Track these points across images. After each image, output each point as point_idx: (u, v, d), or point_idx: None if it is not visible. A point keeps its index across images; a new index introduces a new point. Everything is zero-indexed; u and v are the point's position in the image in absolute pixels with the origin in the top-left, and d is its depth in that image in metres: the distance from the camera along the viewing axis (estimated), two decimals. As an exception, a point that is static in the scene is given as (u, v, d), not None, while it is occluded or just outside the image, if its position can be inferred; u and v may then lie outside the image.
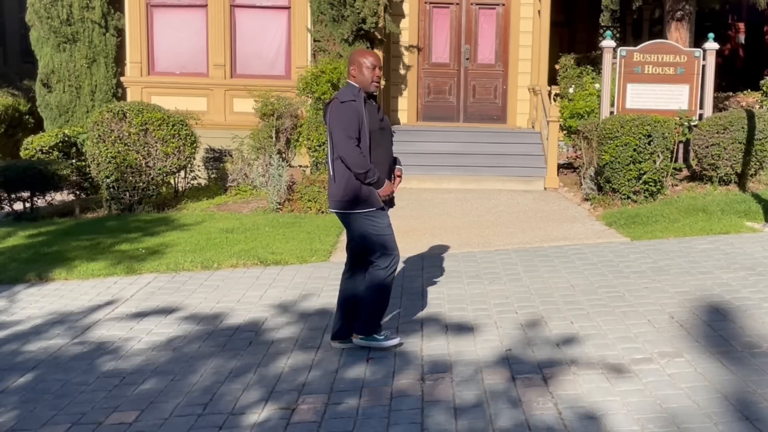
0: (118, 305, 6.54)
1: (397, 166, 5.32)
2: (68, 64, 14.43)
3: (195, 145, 11.58)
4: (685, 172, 11.53)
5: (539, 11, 14.07)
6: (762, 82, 13.20)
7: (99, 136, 10.90)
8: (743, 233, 8.14)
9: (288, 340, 5.52)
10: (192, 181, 12.40)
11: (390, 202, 5.20)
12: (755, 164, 10.61)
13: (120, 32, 14.60)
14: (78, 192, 12.43)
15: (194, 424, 4.23)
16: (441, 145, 13.14)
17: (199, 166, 13.16)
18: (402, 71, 14.72)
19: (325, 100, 12.35)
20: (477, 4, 14.83)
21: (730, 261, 7.04)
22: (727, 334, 5.18)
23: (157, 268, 7.64)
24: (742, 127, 10.41)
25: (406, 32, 14.59)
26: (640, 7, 19.99)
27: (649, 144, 10.07)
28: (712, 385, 4.40)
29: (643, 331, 5.33)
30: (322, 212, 10.44)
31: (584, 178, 11.27)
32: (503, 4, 14.79)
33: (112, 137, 10.89)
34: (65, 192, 12.22)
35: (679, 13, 12.63)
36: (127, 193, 10.97)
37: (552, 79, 14.42)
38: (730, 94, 13.59)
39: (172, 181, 12.03)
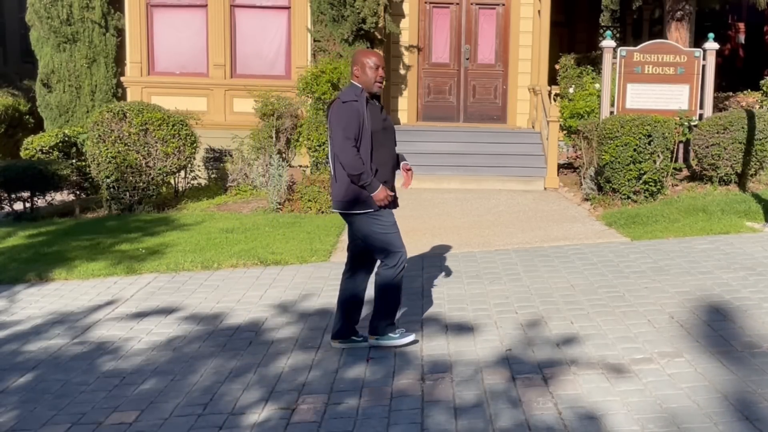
0: (118, 305, 6.54)
1: (403, 162, 5.32)
2: (68, 64, 14.43)
3: (195, 145, 11.58)
4: (685, 172, 11.53)
5: (539, 11, 14.07)
6: (762, 82, 13.20)
7: (99, 136, 10.90)
8: (743, 233, 8.14)
9: (288, 340, 5.52)
10: (192, 181, 12.40)
11: (394, 202, 5.21)
12: (755, 164, 10.61)
13: (120, 32, 14.61)
14: (78, 192, 12.43)
15: (194, 424, 4.23)
16: (441, 145, 13.14)
17: (199, 166, 13.17)
18: (402, 71, 14.72)
19: (325, 100, 12.38)
20: (477, 4, 14.84)
21: (730, 261, 7.04)
22: (727, 334, 5.18)
23: (157, 268, 7.64)
24: (742, 127, 10.41)
25: (406, 32, 14.60)
26: (640, 7, 19.99)
27: (649, 144, 10.07)
28: (712, 385, 4.40)
29: (643, 331, 5.33)
30: (322, 212, 10.44)
31: (584, 178, 11.27)
32: (503, 4, 14.79)
33: (112, 137, 10.89)
34: (65, 192, 12.22)
35: (679, 13, 12.64)
36: (127, 193, 10.97)
37: (552, 79, 14.42)
38: (730, 94, 13.59)
39: (172, 181, 12.04)
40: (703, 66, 11.20)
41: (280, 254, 7.99)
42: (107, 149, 10.82)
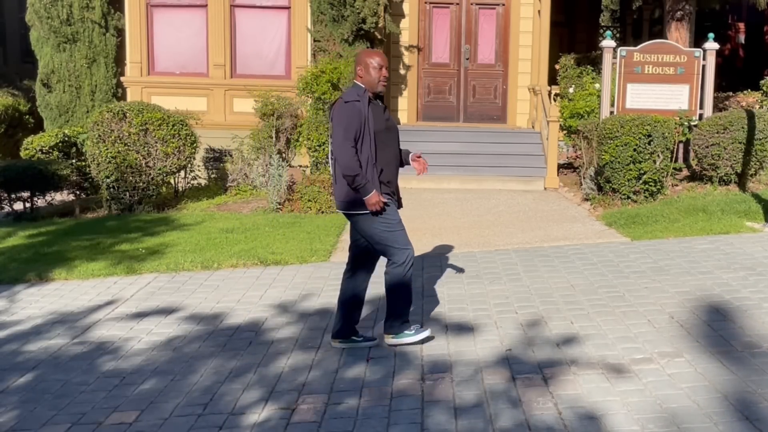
0: (118, 305, 6.54)
1: (411, 154, 5.34)
2: (68, 64, 14.43)
3: (195, 145, 11.58)
4: (685, 172, 11.53)
5: (539, 11, 14.07)
6: (762, 82, 13.20)
7: (99, 136, 10.90)
8: (743, 233, 8.14)
9: (288, 340, 5.52)
10: (192, 181, 12.40)
11: (399, 202, 5.24)
12: (755, 164, 10.61)
13: (120, 32, 14.60)
14: (78, 192, 12.43)
15: (194, 424, 4.23)
16: (441, 145, 13.14)
17: (199, 166, 13.16)
18: (402, 71, 14.72)
19: (325, 100, 12.39)
20: (477, 4, 14.84)
21: (730, 261, 7.04)
22: (727, 334, 5.18)
23: (157, 268, 7.64)
24: (742, 127, 10.41)
25: (406, 32, 14.60)
26: (640, 7, 19.99)
27: (649, 144, 10.07)
28: (712, 385, 4.40)
29: (643, 331, 5.33)
30: (322, 212, 10.44)
31: (584, 178, 11.27)
32: (503, 4, 14.79)
33: (112, 137, 10.89)
34: (65, 192, 12.22)
35: (679, 13, 12.64)
36: (127, 193, 10.97)
37: (552, 79, 14.42)
38: (730, 94, 13.59)
39: (172, 181, 12.04)
40: (703, 66, 11.20)
41: (280, 254, 7.99)
42: (107, 149, 10.82)
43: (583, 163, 11.56)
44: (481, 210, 10.48)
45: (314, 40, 13.47)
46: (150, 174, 11.05)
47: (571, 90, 14.15)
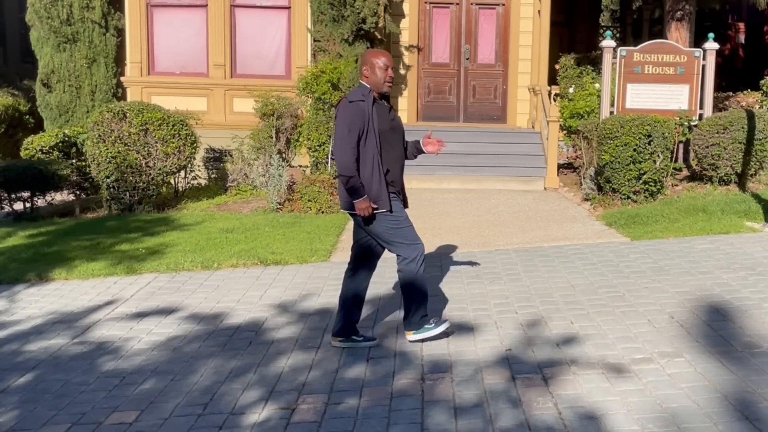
0: (118, 305, 6.54)
1: (423, 135, 5.42)
2: (68, 64, 14.43)
3: (195, 145, 11.58)
4: (685, 172, 11.53)
5: (539, 11, 14.07)
6: (762, 82, 13.20)
7: (99, 136, 10.90)
8: (743, 233, 8.14)
9: (288, 340, 5.52)
10: (192, 181, 12.40)
11: (404, 201, 5.25)
12: (755, 164, 10.61)
13: (120, 32, 14.60)
14: (78, 192, 12.43)
15: (194, 424, 4.23)
16: (441, 145, 13.12)
17: (199, 166, 13.17)
18: (402, 71, 14.72)
19: (325, 100, 12.40)
20: (477, 4, 14.84)
21: (730, 261, 7.04)
22: (727, 334, 5.18)
23: (157, 268, 7.64)
24: (742, 127, 10.41)
25: (406, 32, 14.60)
26: (640, 7, 19.99)
27: (649, 144, 10.07)
28: (712, 385, 4.40)
29: (643, 331, 5.33)
30: (322, 212, 10.45)
31: (584, 178, 11.27)
32: (503, 4, 14.79)
33: (112, 137, 10.89)
34: (65, 192, 12.22)
35: (679, 13, 12.64)
36: (127, 193, 10.97)
37: (552, 79, 14.42)
38: (730, 94, 13.59)
39: (172, 181, 12.04)
40: (703, 66, 11.20)
41: (280, 254, 7.99)
42: (107, 149, 10.82)
43: (583, 163, 11.56)
44: (481, 210, 10.48)
45: (314, 40, 13.47)
46: (150, 174, 11.06)
47: (571, 90, 14.15)
